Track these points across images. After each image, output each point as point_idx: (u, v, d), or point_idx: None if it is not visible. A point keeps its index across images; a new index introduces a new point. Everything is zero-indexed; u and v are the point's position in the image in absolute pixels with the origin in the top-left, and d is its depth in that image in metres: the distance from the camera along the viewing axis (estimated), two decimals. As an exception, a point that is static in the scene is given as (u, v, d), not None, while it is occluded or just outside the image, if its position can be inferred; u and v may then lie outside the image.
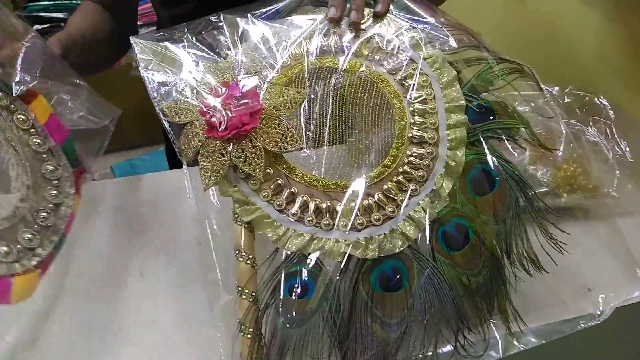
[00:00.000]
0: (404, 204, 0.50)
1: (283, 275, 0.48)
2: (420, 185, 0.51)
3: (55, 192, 0.53)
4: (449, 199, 0.51)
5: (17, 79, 0.52)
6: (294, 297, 0.47)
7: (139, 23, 1.12)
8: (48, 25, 1.43)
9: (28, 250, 0.50)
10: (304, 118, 0.52)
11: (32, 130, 0.53)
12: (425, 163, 0.51)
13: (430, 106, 0.53)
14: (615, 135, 0.70)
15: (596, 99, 0.75)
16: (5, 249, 0.48)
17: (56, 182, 0.54)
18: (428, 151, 0.51)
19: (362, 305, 0.47)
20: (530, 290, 0.53)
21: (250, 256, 0.48)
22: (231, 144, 0.49)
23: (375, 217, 0.49)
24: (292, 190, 0.50)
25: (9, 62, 0.52)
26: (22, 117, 0.52)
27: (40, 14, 1.41)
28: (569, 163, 0.65)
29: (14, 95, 0.51)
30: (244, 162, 0.49)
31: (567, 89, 0.77)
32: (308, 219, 0.49)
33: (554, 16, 1.05)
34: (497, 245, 0.50)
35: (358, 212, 0.49)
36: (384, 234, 0.49)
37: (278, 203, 0.49)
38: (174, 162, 0.99)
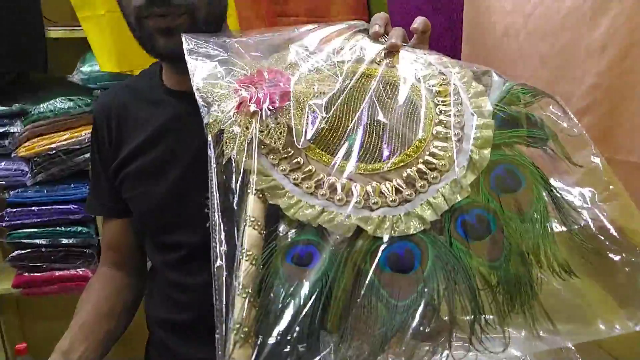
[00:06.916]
0: (423, 189, 0.48)
1: (288, 242, 0.46)
2: (441, 174, 0.49)
3: None
4: (470, 190, 0.49)
5: None
6: (296, 265, 0.45)
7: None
8: (29, 250, 1.45)
9: None
10: (330, 108, 0.53)
11: None
12: (448, 155, 0.50)
13: (457, 109, 0.54)
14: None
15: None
16: None
17: None
18: (451, 146, 0.51)
19: (369, 284, 0.44)
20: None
21: (260, 223, 0.47)
22: (257, 118, 0.51)
23: (391, 199, 0.48)
24: (310, 168, 0.50)
25: None
26: None
27: (23, 240, 1.44)
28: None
29: None
30: (267, 135, 0.50)
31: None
32: (321, 193, 0.48)
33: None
34: (524, 244, 0.47)
35: (373, 193, 0.48)
36: (399, 214, 0.47)
37: (294, 177, 0.49)
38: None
